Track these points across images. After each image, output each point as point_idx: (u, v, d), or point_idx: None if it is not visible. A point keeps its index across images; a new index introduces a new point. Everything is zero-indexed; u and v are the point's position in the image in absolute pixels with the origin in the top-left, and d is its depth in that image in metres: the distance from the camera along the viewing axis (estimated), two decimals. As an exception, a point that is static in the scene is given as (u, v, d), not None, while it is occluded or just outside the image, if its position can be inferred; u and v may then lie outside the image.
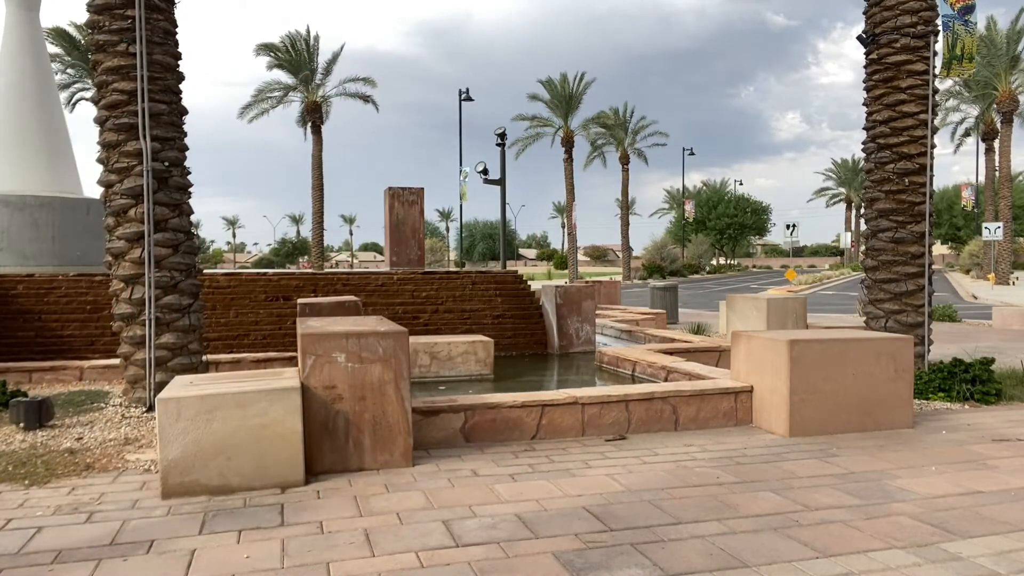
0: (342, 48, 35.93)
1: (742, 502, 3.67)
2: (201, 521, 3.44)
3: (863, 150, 7.28)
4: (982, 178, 40.49)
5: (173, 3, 6.21)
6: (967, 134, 41.71)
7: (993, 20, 34.80)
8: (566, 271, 48.13)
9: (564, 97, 41.32)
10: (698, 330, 11.88)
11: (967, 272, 45.75)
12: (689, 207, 62.70)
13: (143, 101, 5.80)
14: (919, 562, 2.94)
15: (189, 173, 6.28)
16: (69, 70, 30.04)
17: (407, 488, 3.92)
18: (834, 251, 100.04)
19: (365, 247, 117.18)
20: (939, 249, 72.51)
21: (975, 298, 25.27)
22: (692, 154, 57.68)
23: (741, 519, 3.43)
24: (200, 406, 3.81)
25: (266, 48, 33.30)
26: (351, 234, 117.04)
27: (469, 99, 29.95)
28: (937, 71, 6.97)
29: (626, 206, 48.04)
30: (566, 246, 55.29)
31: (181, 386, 4.08)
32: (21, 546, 3.14)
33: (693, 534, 3.25)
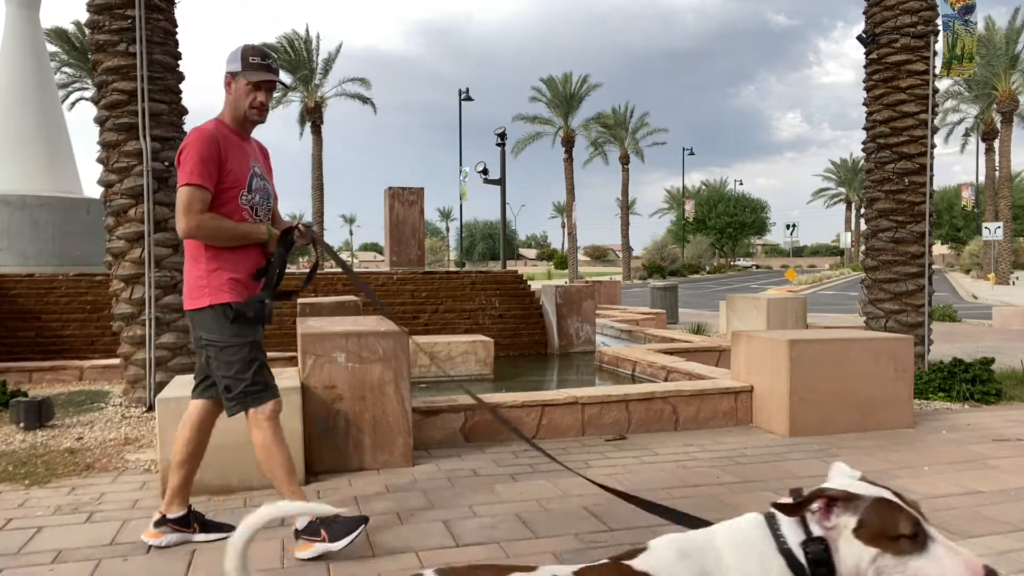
0: (339, 49, 35.79)
1: (742, 502, 3.67)
2: (201, 521, 3.43)
3: (863, 150, 7.28)
4: (982, 178, 40.50)
5: (173, 3, 6.21)
6: (967, 134, 41.72)
7: (991, 20, 34.82)
8: (566, 271, 48.13)
9: (564, 97, 41.35)
10: (698, 330, 11.89)
11: (967, 272, 45.77)
12: (689, 207, 62.69)
13: (143, 101, 5.80)
14: (919, 562, 2.94)
15: (189, 173, 6.27)
16: (66, 68, 30.03)
17: (407, 488, 3.92)
18: (834, 251, 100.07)
19: (365, 247, 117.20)
20: (939, 249, 72.55)
21: (975, 298, 25.28)
22: (692, 154, 57.69)
23: (741, 519, 3.42)
24: (200, 406, 3.80)
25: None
26: (351, 234, 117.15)
27: (469, 99, 29.95)
28: (937, 71, 6.97)
29: (626, 206, 48.03)
30: (566, 246, 55.30)
31: (181, 386, 4.07)
32: (21, 546, 3.14)
33: (693, 534, 3.24)
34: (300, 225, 3.24)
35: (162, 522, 3.16)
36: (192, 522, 3.19)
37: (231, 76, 3.08)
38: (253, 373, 2.99)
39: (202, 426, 3.19)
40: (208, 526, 3.22)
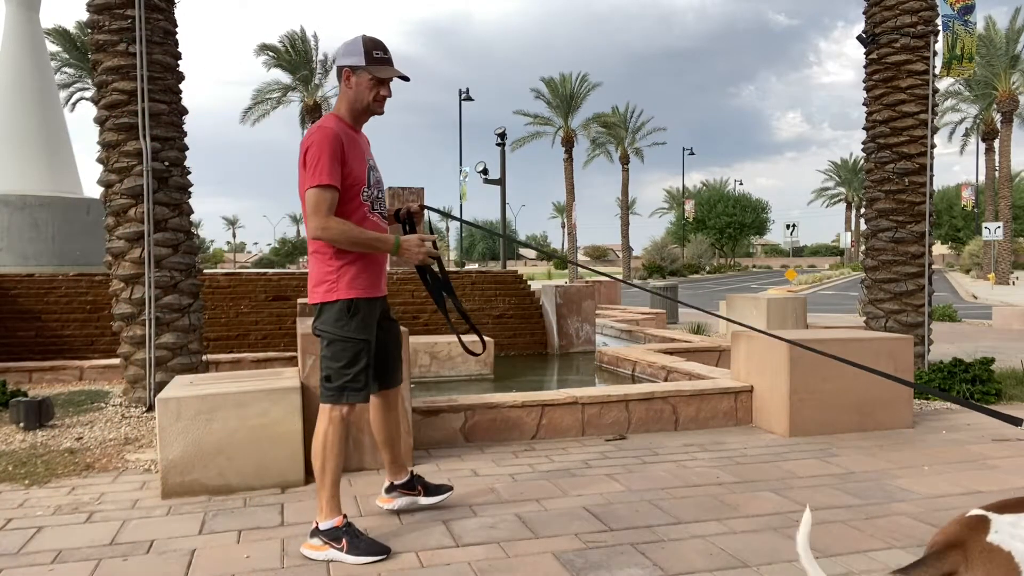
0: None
1: (742, 502, 3.67)
2: (201, 521, 3.44)
3: (863, 150, 7.28)
4: (982, 178, 40.49)
5: (173, 3, 6.21)
6: (967, 134, 41.72)
7: (992, 20, 34.82)
8: (566, 271, 48.12)
9: (565, 97, 41.34)
10: (698, 330, 11.88)
11: (967, 272, 45.77)
12: (689, 207, 62.66)
13: (143, 101, 5.80)
14: (919, 562, 2.94)
15: (189, 173, 6.28)
16: (67, 68, 30.02)
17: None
18: (834, 251, 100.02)
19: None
20: (939, 249, 72.52)
21: (975, 298, 25.28)
22: (692, 154, 57.72)
23: (741, 519, 3.43)
24: (200, 406, 3.80)
25: (266, 48, 33.34)
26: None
27: (469, 99, 29.96)
28: (937, 71, 6.97)
29: (626, 206, 48.02)
30: (566, 246, 55.29)
31: (181, 386, 4.07)
32: (21, 546, 3.14)
33: (693, 534, 3.25)
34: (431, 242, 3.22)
35: (391, 488, 3.50)
36: (416, 485, 3.49)
37: (351, 71, 3.07)
38: (357, 371, 3.08)
39: (387, 411, 3.43)
40: (430, 489, 3.52)
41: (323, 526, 3.03)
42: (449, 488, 3.57)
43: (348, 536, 2.99)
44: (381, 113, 3.18)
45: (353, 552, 2.95)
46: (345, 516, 3.06)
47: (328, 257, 3.06)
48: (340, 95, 3.14)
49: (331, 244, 3.01)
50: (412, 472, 3.53)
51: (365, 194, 3.11)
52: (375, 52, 3.06)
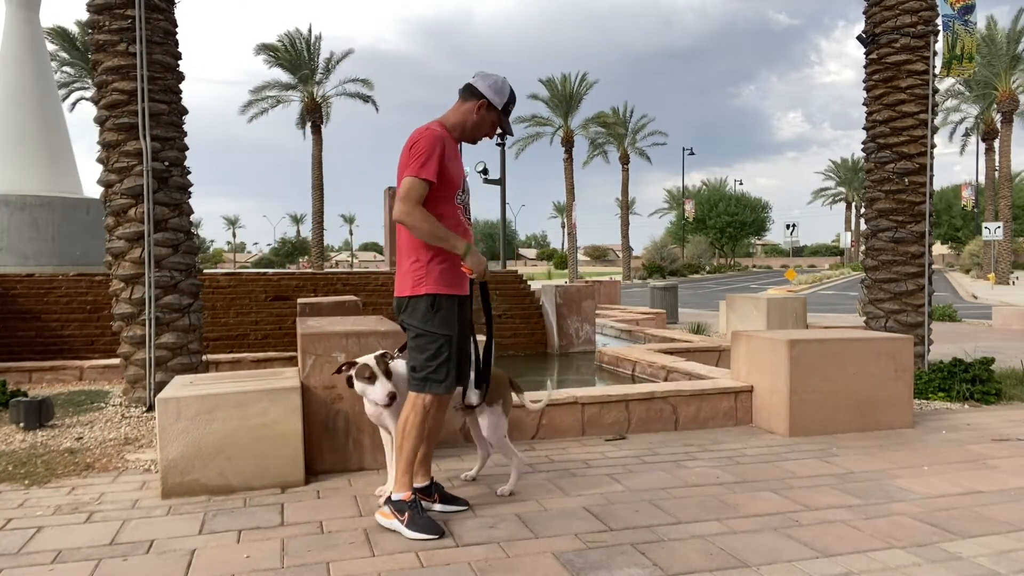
0: (346, 53, 35.37)
1: (742, 502, 3.67)
2: (201, 521, 3.44)
3: (863, 150, 7.28)
4: (982, 178, 40.48)
5: (173, 3, 6.21)
6: (967, 134, 41.71)
7: (993, 20, 34.83)
8: (566, 271, 48.12)
9: (564, 97, 41.33)
10: (698, 330, 11.88)
11: (967, 272, 45.77)
12: (689, 207, 62.63)
13: (143, 101, 5.80)
14: (919, 562, 2.94)
15: (189, 173, 6.28)
16: (67, 68, 30.01)
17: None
18: (834, 251, 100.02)
19: (365, 247, 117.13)
20: (939, 249, 72.55)
21: (975, 298, 25.28)
22: (692, 154, 57.67)
23: (741, 519, 3.43)
24: (200, 406, 3.81)
25: (265, 48, 33.33)
26: (351, 234, 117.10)
27: (469, 99, 29.85)
28: (937, 71, 6.97)
29: (626, 206, 48.03)
30: (566, 246, 55.29)
31: (181, 386, 4.08)
32: (21, 546, 3.14)
33: (693, 534, 3.25)
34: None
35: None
36: (434, 492, 3.54)
37: (488, 104, 3.33)
38: (439, 364, 3.26)
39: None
40: (446, 498, 3.57)
41: (394, 497, 3.29)
42: (465, 503, 3.59)
43: (411, 511, 3.23)
44: (473, 144, 3.51)
45: (412, 527, 3.19)
46: (414, 493, 3.29)
47: (420, 253, 3.25)
48: (461, 111, 3.36)
49: (411, 232, 3.19)
50: (432, 479, 3.59)
51: (459, 198, 3.32)
52: (510, 105, 3.39)
